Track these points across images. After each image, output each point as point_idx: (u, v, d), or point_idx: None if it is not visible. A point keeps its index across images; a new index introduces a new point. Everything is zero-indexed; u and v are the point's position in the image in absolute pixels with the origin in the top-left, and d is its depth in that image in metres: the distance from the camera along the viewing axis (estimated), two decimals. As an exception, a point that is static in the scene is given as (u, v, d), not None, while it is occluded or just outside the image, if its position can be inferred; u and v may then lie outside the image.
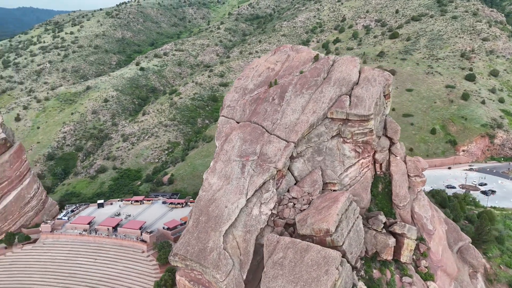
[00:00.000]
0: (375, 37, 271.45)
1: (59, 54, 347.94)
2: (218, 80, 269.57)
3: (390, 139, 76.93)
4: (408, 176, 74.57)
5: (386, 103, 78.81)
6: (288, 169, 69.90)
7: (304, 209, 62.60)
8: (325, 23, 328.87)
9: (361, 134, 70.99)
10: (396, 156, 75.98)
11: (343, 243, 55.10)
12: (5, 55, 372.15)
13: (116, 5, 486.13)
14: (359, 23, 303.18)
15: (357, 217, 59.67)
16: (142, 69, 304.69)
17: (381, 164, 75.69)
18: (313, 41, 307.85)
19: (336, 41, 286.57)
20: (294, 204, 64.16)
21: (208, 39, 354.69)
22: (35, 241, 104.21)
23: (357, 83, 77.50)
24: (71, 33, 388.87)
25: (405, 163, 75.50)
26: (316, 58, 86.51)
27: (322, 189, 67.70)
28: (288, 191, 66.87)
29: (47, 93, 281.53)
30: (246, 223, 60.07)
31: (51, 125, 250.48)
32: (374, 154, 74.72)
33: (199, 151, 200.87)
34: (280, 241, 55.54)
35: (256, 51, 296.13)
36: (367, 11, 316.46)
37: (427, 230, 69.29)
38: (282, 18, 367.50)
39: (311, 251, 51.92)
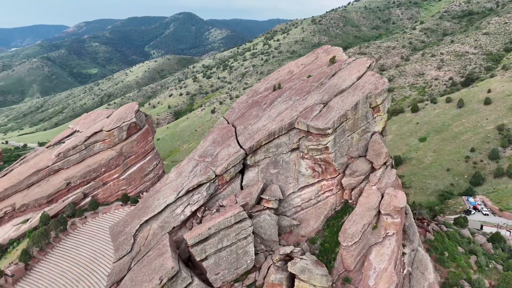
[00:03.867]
0: None
1: (262, 59, 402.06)
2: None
3: (372, 163, 60.55)
4: (380, 213, 57.21)
5: (374, 118, 61.86)
6: (243, 176, 67.30)
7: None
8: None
9: (316, 151, 59.79)
10: (372, 185, 59.26)
11: (205, 259, 51.11)
12: (228, 60, 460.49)
13: (326, 11, 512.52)
14: None
15: (244, 238, 52.60)
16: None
17: (351, 191, 60.96)
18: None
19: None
20: (217, 211, 62.25)
21: (396, 41, 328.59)
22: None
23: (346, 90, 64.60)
24: (277, 40, 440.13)
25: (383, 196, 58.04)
26: (332, 61, 75.98)
27: (258, 203, 62.01)
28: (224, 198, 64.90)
29: (239, 91, 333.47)
30: (165, 219, 63.24)
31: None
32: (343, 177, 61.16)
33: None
34: (163, 241, 56.97)
35: (442, 53, 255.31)
36: None
37: (365, 285, 52.02)
38: (498, 13, 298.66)
39: (162, 257, 51.42)
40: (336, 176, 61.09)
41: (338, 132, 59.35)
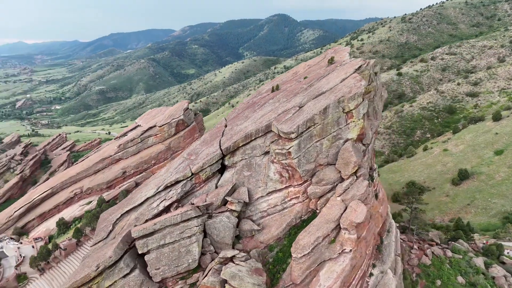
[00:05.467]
0: None
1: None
2: (468, 88, 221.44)
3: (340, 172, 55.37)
4: (340, 227, 52.15)
5: (348, 124, 56.07)
6: (222, 176, 67.49)
7: (178, 214, 61.07)
8: None
9: (281, 155, 57.05)
10: (337, 196, 54.19)
11: (147, 253, 52.71)
12: (307, 60, 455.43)
13: (420, 8, 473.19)
14: None
15: (188, 237, 52.47)
16: (399, 74, 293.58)
17: (318, 200, 56.62)
18: None
19: None
20: (186, 208, 63.37)
21: (495, 39, 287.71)
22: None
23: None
24: (361, 40, 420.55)
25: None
26: (330, 62, 71.32)
27: (224, 205, 61.57)
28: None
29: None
30: (142, 211, 66.50)
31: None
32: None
33: (393, 165, 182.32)
34: (123, 232, 60.31)
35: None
36: None
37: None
38: None
39: (111, 246, 54.55)
40: (303, 183, 57.62)
41: (304, 137, 55.87)
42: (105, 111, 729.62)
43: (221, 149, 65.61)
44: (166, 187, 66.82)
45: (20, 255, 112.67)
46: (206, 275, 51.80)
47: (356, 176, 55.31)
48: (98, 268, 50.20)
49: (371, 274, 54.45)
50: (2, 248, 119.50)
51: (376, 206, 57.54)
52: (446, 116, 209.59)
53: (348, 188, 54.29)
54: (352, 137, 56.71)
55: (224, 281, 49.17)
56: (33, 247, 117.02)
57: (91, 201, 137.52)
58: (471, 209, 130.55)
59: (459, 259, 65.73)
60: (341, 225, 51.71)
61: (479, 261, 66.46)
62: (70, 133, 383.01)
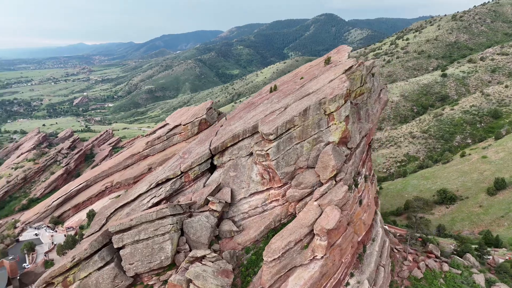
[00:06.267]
0: None
1: (384, 60, 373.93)
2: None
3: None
4: (314, 232, 50.30)
5: (329, 126, 53.68)
6: (211, 175, 67.92)
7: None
8: None
9: (261, 156, 56.13)
10: (314, 200, 52.25)
11: (122, 248, 54.17)
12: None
13: (474, 6, 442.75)
14: None
15: (162, 234, 53.00)
16: (444, 75, 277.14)
17: (297, 204, 55.03)
18: None
19: None
20: (173, 206, 64.43)
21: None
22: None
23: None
24: (407, 39, 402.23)
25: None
26: (326, 62, 69.07)
27: (207, 204, 61.86)
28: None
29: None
30: (134, 207, 68.39)
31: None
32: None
33: (426, 172, 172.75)
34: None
35: None
36: None
37: (268, 308, 46.43)
38: None
39: (91, 239, 57.04)
40: (283, 186, 56.38)
41: (283, 138, 54.65)
42: (152, 110, 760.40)
43: (210, 149, 66.06)
44: (158, 185, 68.41)
45: (53, 242, 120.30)
46: (177, 273, 52.45)
47: (335, 181, 53.17)
48: (73, 260, 52.67)
49: (347, 284, 52.11)
50: (38, 235, 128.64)
51: (358, 213, 54.95)
52: (490, 121, 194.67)
53: (326, 192, 52.26)
54: (334, 140, 54.48)
55: (190, 280, 49.48)
56: (65, 235, 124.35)
57: (119, 195, 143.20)
58: (505, 222, 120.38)
59: (455, 274, 60.58)
60: (315, 230, 50.04)
61: (480, 278, 60.76)
62: (118, 130, 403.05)
